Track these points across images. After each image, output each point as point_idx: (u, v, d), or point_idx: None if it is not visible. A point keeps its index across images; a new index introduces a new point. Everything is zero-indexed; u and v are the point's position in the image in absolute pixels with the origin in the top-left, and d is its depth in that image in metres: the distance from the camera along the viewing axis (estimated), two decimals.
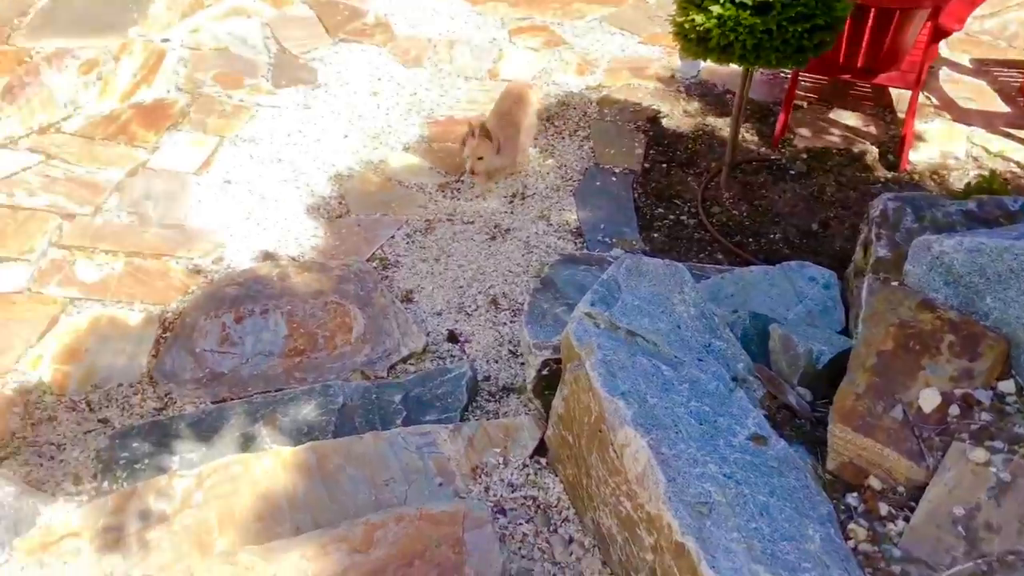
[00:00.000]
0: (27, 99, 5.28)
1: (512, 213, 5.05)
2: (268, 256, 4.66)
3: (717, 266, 3.78)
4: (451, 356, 4.15)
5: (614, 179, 5.29)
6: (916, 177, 5.29)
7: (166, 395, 3.88)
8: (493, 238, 4.87)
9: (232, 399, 3.85)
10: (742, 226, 4.98)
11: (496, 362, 4.09)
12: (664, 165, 5.43)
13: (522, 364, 4.08)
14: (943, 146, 5.48)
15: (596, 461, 2.46)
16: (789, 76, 5.52)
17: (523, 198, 5.15)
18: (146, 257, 4.53)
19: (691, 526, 1.97)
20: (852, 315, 3.22)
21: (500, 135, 4.94)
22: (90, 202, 4.84)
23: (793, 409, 2.57)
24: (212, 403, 3.83)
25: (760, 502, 2.04)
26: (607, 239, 4.85)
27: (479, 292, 4.52)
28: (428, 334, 4.25)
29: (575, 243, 4.83)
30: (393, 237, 4.85)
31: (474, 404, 3.78)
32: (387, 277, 4.59)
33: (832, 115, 5.82)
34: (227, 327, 4.14)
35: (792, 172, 5.36)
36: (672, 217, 5.05)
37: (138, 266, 4.47)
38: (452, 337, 4.26)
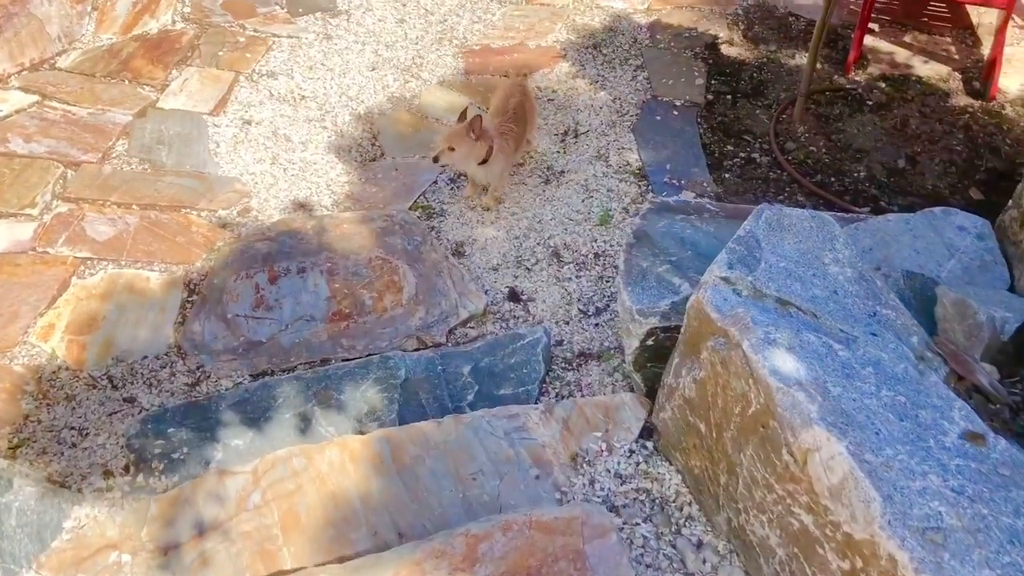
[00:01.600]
0: (15, 31, 4.70)
1: (565, 153, 4.53)
2: (300, 206, 4.15)
3: (834, 213, 3.28)
4: (514, 318, 3.69)
5: (676, 113, 4.77)
6: (1008, 107, 4.78)
7: (198, 368, 3.42)
8: (547, 182, 4.37)
9: (274, 372, 3.39)
10: (821, 163, 4.48)
11: (567, 323, 3.64)
12: (729, 97, 4.90)
13: (596, 325, 3.63)
14: None
15: (751, 461, 2.02)
16: None
17: (576, 136, 4.63)
18: (163, 210, 4.03)
19: (926, 561, 1.53)
20: (1021, 271, 2.76)
21: (493, 142, 3.94)
22: (95, 148, 4.30)
23: (986, 392, 2.13)
24: (252, 377, 3.38)
25: (1006, 525, 1.61)
26: (675, 181, 4.36)
27: (537, 243, 4.04)
28: (486, 292, 3.79)
29: (639, 186, 4.33)
30: (435, 183, 4.35)
31: (550, 374, 3.33)
32: (434, 228, 4.10)
33: (907, 38, 5.28)
34: (261, 288, 3.66)
35: (870, 102, 4.84)
36: (743, 155, 4.55)
37: (155, 220, 3.97)
38: (513, 296, 3.79)
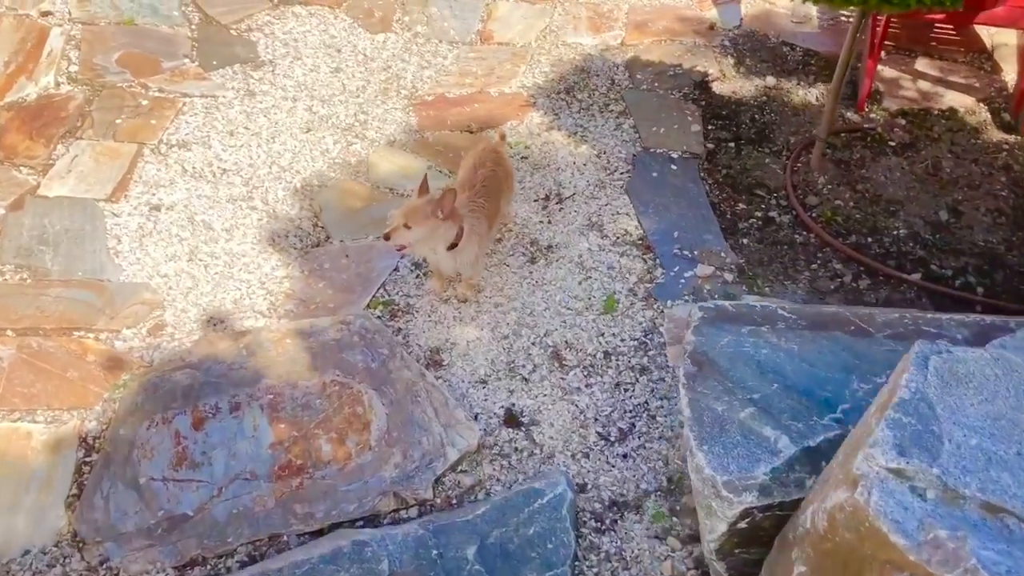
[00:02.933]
0: None
1: (550, 223, 3.75)
2: (227, 317, 3.27)
3: (948, 315, 2.48)
4: (517, 451, 2.88)
5: (674, 167, 4.03)
6: None
7: (102, 563, 2.51)
8: (533, 260, 3.58)
9: (207, 560, 2.51)
10: (852, 220, 3.79)
11: (586, 456, 2.85)
12: (731, 144, 4.19)
13: (623, 456, 2.84)
14: None
15: None
16: (858, 18, 4.31)
17: (560, 201, 3.86)
18: (49, 335, 3.11)
19: None
20: None
21: (463, 222, 3.15)
22: None
23: None
24: (177, 570, 2.49)
25: None
26: (686, 252, 3.61)
27: (532, 343, 3.24)
28: (477, 417, 2.97)
29: (643, 260, 3.57)
30: (396, 270, 3.52)
31: (579, 540, 2.52)
32: (400, 332, 3.27)
33: (919, 66, 4.66)
34: (183, 438, 2.78)
35: (892, 143, 4.18)
36: (759, 214, 3.83)
37: (37, 350, 3.05)
38: (511, 419, 2.99)
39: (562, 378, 3.12)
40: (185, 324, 3.21)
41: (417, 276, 3.50)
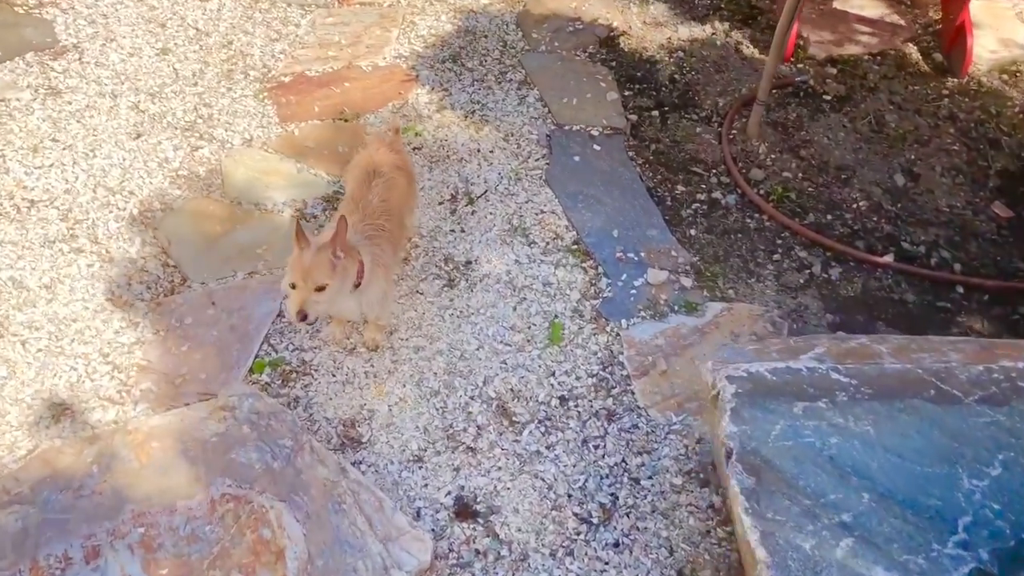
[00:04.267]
0: None
1: (463, 231, 3.07)
2: (63, 413, 2.45)
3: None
4: (480, 557, 2.25)
5: (596, 147, 3.41)
6: (984, 80, 3.81)
7: None
8: (451, 283, 2.90)
9: None
10: (804, 195, 3.31)
11: (569, 554, 2.25)
12: (654, 113, 3.61)
13: (615, 546, 2.27)
14: (999, 32, 4.01)
15: None
16: None
17: (471, 201, 3.18)
18: None
19: None
20: None
21: (360, 255, 2.43)
22: None
23: None
24: None
25: None
26: (631, 254, 3.03)
27: (470, 397, 2.60)
28: (419, 513, 2.31)
29: (584, 270, 2.96)
30: (280, 316, 2.76)
31: None
32: (298, 402, 2.54)
33: (837, 4, 4.19)
34: None
35: (828, 97, 3.72)
36: (702, 197, 3.29)
37: None
38: (464, 510, 2.35)
39: (516, 441, 2.50)
40: (4, 435, 2.37)
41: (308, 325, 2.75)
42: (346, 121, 3.44)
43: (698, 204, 3.26)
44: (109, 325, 2.67)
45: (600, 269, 2.98)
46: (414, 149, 3.36)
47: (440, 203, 3.17)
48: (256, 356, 2.64)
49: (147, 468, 2.26)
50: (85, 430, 2.40)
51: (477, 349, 2.72)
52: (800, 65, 3.85)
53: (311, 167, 3.23)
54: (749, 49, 3.90)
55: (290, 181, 3.17)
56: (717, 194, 3.30)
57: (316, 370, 2.64)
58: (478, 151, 3.37)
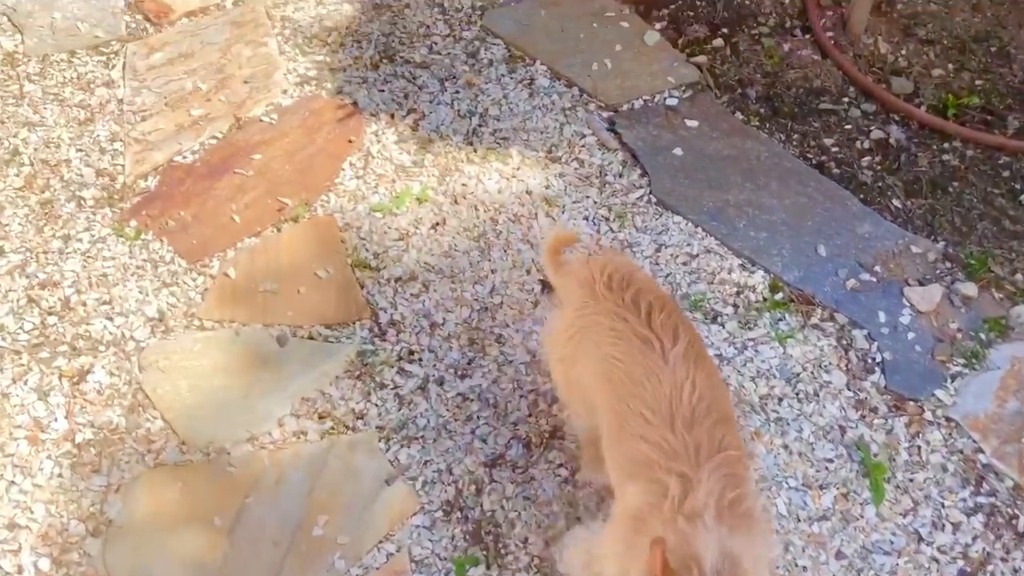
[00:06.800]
0: None
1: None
2: None
3: None
4: None
5: (691, 123, 2.23)
6: None
7: None
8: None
9: None
10: (977, 91, 2.31)
11: None
12: (716, 42, 2.45)
13: None
14: None
15: None
16: None
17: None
18: None
19: None
20: None
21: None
22: None
23: None
24: None
25: None
26: (864, 274, 1.96)
27: None
28: None
29: (820, 329, 1.87)
30: None
31: None
32: None
33: None
34: None
35: None
36: (863, 143, 2.24)
37: None
38: None
39: None
40: None
41: None
42: (296, 221, 2.00)
43: (869, 157, 2.18)
44: None
45: (841, 319, 1.85)
46: (434, 226, 2.00)
47: (532, 302, 1.88)
48: None
49: None
50: None
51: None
52: None
53: (295, 326, 1.81)
54: None
55: (279, 373, 1.75)
56: (876, 132, 2.24)
57: None
58: (528, 194, 2.06)
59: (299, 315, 1.85)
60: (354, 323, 1.84)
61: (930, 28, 2.47)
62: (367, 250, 1.97)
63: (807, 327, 1.85)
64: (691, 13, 2.50)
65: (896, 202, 2.09)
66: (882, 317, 1.85)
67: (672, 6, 2.51)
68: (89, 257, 1.92)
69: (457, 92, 2.28)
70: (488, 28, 2.42)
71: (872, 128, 2.24)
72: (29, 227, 1.96)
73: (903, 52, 2.40)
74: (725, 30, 2.45)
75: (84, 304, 1.84)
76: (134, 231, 1.97)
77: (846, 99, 2.31)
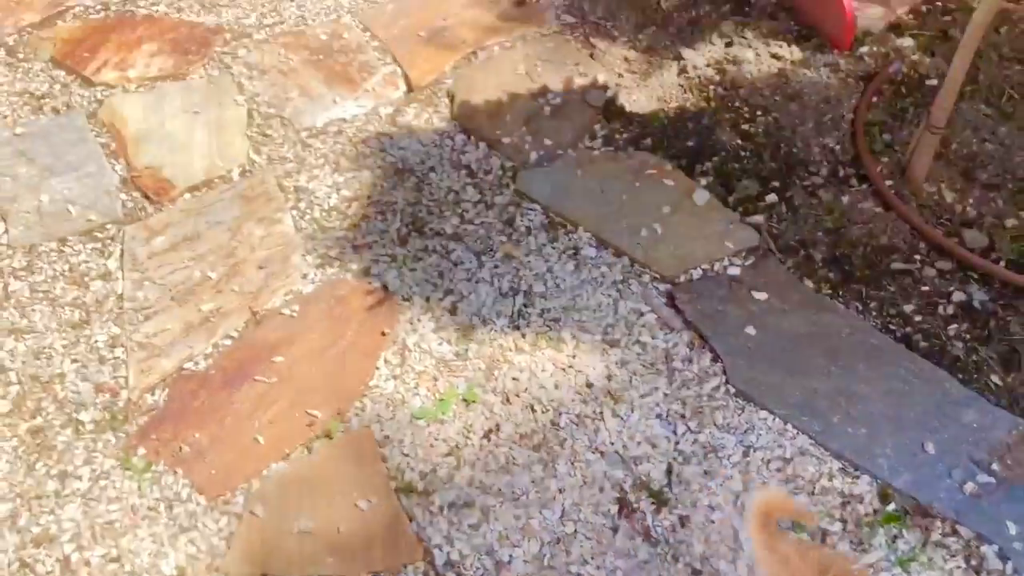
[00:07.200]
0: None
1: (693, 569, 1.56)
2: None
3: None
4: None
5: (759, 295, 2.02)
6: None
7: None
8: None
9: None
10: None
11: None
12: (769, 197, 2.25)
13: None
14: None
15: None
16: None
17: (657, 499, 1.65)
18: None
19: None
20: None
21: None
22: None
23: None
24: None
25: None
26: (980, 475, 1.74)
27: None
28: None
29: (943, 548, 1.62)
30: None
31: None
32: None
33: None
34: None
35: (933, 81, 2.55)
36: (945, 308, 2.04)
37: None
38: None
39: None
40: None
41: None
42: (329, 437, 1.75)
43: (955, 325, 1.98)
44: None
45: (966, 532, 1.62)
46: (486, 434, 1.76)
47: (611, 528, 1.62)
48: None
49: None
50: None
51: None
52: (864, 48, 2.64)
53: None
54: (787, 52, 2.62)
55: None
56: (957, 294, 2.04)
57: None
58: (588, 387, 1.83)
59: (341, 562, 1.58)
60: (405, 567, 1.58)
61: (991, 170, 2.31)
62: (412, 469, 1.71)
63: (928, 544, 1.61)
64: (736, 165, 2.32)
65: (995, 379, 1.88)
66: (1012, 529, 1.62)
67: (715, 158, 2.33)
68: (91, 500, 1.64)
69: (496, 267, 2.07)
70: (522, 192, 2.22)
71: (952, 290, 2.05)
72: (19, 465, 1.69)
73: (970, 201, 2.23)
74: (776, 183, 2.27)
75: (88, 564, 1.56)
76: (143, 462, 1.70)
77: (918, 256, 2.12)
